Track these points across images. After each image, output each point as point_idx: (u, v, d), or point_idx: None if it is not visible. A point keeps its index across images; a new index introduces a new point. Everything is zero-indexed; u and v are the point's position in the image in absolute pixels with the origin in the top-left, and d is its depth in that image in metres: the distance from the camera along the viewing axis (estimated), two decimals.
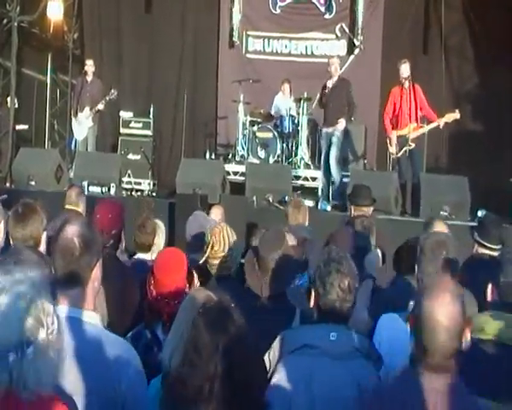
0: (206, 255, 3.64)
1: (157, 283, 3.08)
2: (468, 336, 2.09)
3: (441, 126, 9.03)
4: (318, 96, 9.92)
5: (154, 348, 2.94)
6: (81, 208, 5.10)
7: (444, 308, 2.04)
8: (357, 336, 2.51)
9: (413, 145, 9.07)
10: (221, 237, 3.62)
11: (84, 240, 2.23)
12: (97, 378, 2.14)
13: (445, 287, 2.10)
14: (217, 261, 3.61)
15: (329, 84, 9.62)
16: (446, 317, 2.03)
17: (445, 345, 2.03)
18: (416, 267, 3.14)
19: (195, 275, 3.30)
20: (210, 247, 3.63)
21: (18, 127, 12.09)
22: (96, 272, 2.29)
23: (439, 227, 3.66)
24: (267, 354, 2.56)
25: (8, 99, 11.95)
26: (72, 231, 2.23)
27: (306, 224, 5.68)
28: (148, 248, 4.59)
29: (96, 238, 2.31)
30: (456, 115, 8.98)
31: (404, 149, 9.09)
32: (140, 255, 4.58)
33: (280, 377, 2.50)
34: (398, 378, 2.15)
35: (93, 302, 2.27)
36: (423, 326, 2.05)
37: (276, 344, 2.56)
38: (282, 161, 10.81)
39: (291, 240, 3.86)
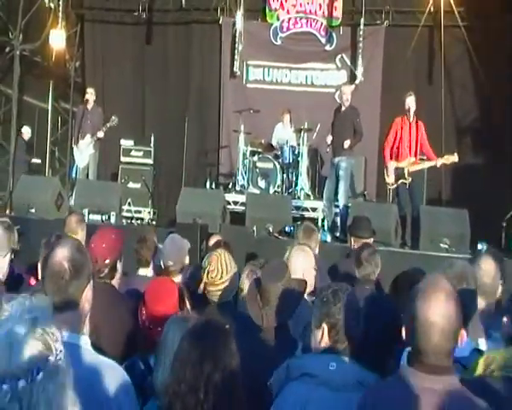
0: (202, 282, 3.60)
1: (148, 312, 3.07)
2: (463, 336, 2.06)
3: (438, 166, 9.08)
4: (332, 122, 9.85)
5: (148, 378, 2.92)
6: (81, 235, 5.07)
7: (438, 308, 2.01)
8: (361, 370, 2.48)
9: (409, 179, 9.08)
10: (218, 264, 3.59)
11: (74, 263, 2.22)
12: (91, 404, 2.11)
13: (439, 287, 2.07)
14: (214, 288, 3.58)
15: (340, 110, 9.62)
16: (440, 317, 2.00)
17: (440, 345, 2.00)
18: None
19: (187, 302, 3.28)
20: (206, 273, 3.60)
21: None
22: (87, 295, 2.27)
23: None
24: (270, 381, 2.56)
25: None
26: (61, 255, 2.22)
27: (317, 251, 5.54)
28: (147, 263, 4.55)
29: (86, 260, 2.30)
30: (455, 159, 9.03)
31: (401, 181, 9.10)
32: (141, 272, 4.54)
33: (278, 402, 2.51)
34: (395, 379, 2.12)
35: (84, 325, 2.26)
36: (418, 326, 2.02)
37: (280, 371, 2.55)
38: (282, 191, 10.82)
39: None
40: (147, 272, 4.57)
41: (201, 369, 2.13)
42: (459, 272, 3.17)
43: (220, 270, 3.58)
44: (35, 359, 1.51)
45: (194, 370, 2.14)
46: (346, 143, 9.38)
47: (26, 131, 12.51)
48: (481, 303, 3.23)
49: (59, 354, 1.59)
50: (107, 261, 3.62)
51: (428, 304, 2.01)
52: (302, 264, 3.99)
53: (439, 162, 9.02)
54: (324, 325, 2.53)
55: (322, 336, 2.54)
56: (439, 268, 3.26)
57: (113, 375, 2.20)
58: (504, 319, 2.63)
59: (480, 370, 2.45)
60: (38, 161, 12.63)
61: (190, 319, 2.68)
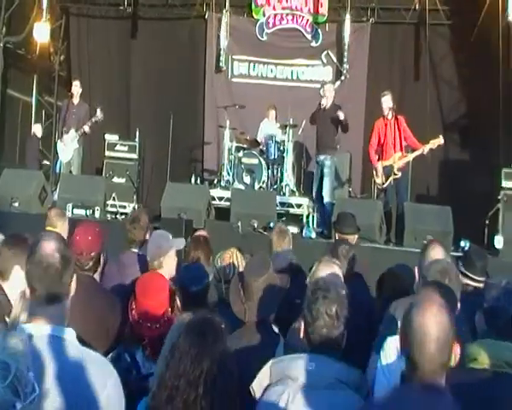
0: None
1: (138, 306, 3.07)
2: (457, 351, 2.09)
3: (425, 153, 9.09)
4: (312, 114, 9.90)
5: (133, 372, 2.91)
6: (62, 229, 5.02)
7: (432, 320, 2.04)
8: (341, 367, 2.48)
9: (399, 174, 9.13)
10: (231, 261, 3.58)
11: (63, 255, 2.20)
12: (77, 397, 2.11)
13: (432, 300, 2.11)
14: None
15: (323, 106, 9.63)
16: (435, 328, 2.03)
17: (435, 357, 2.02)
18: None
19: (178, 299, 3.27)
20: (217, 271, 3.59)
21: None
22: (72, 288, 2.26)
23: (437, 251, 3.66)
24: (252, 384, 2.54)
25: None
26: (51, 247, 2.20)
27: (291, 247, 5.61)
28: (140, 243, 4.52)
29: (71, 253, 2.29)
30: (440, 141, 9.05)
31: (391, 178, 9.15)
32: (133, 250, 4.51)
33: (259, 407, 2.50)
34: (391, 395, 2.13)
35: (68, 318, 2.25)
36: (413, 339, 2.04)
37: (262, 374, 2.54)
38: (267, 187, 10.83)
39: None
40: (134, 250, 4.54)
41: (201, 365, 2.13)
42: (442, 268, 3.20)
43: (233, 268, 3.57)
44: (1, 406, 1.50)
45: (194, 365, 2.13)
46: (341, 115, 9.34)
47: (38, 129, 12.42)
48: None
49: (29, 398, 1.57)
50: (93, 254, 3.61)
51: (423, 315, 2.05)
52: None
53: (426, 149, 9.01)
54: (302, 321, 2.53)
55: (299, 332, 2.55)
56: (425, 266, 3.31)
57: (100, 368, 2.18)
58: (476, 317, 2.65)
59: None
60: (47, 162, 12.58)
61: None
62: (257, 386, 2.53)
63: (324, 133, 9.62)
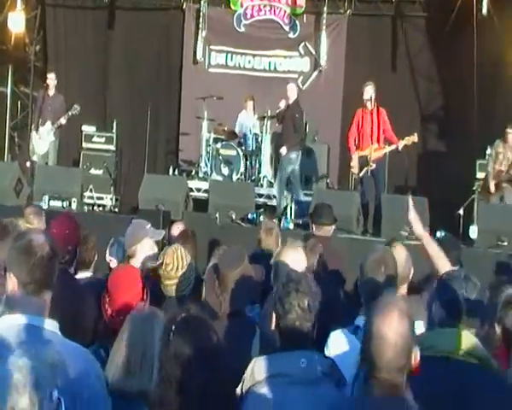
0: (155, 270, 3.55)
1: (112, 300, 3.05)
2: (417, 354, 2.12)
3: (400, 148, 9.23)
4: (277, 114, 10.21)
5: None
6: (38, 227, 4.98)
7: (391, 326, 2.07)
8: (320, 359, 2.50)
9: (374, 166, 9.21)
10: (174, 258, 3.55)
11: (53, 247, 2.21)
12: (57, 389, 2.10)
13: (394, 305, 2.13)
14: (170, 281, 3.54)
15: (283, 105, 9.95)
16: (394, 334, 2.06)
17: (393, 361, 2.06)
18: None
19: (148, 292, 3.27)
20: (161, 267, 3.56)
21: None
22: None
23: (399, 250, 3.73)
24: (240, 386, 2.50)
25: None
26: (42, 239, 2.19)
27: (279, 242, 5.55)
28: (88, 264, 4.40)
29: (57, 246, 2.30)
30: (415, 138, 9.23)
31: (366, 169, 9.23)
32: (81, 275, 4.27)
33: (248, 407, 2.46)
34: (353, 399, 2.16)
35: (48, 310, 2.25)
36: (371, 343, 2.08)
37: (247, 375, 2.50)
38: (245, 178, 10.84)
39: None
40: (87, 274, 4.37)
41: (197, 365, 2.12)
42: (379, 257, 3.25)
43: (176, 264, 3.54)
44: None
45: (191, 367, 2.12)
46: (283, 151, 9.83)
47: None
48: (403, 292, 3.46)
49: None
50: (70, 247, 3.59)
51: (383, 320, 2.08)
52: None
53: (401, 145, 9.18)
54: (274, 313, 2.55)
55: (271, 323, 2.56)
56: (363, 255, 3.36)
57: (83, 360, 2.18)
58: (434, 307, 2.68)
59: None
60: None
61: (159, 315, 2.65)
62: (244, 387, 2.49)
63: (287, 131, 9.81)
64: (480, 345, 2.55)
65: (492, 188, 9.44)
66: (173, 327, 2.20)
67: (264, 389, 2.45)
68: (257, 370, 2.48)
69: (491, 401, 2.42)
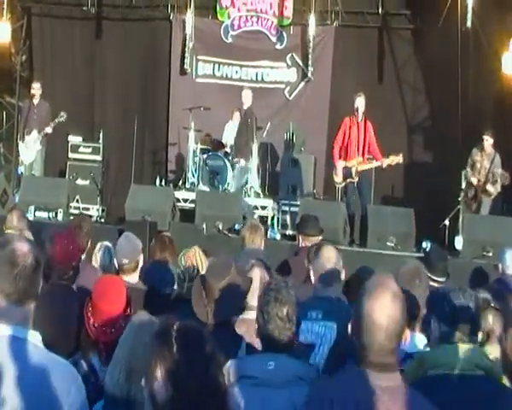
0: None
1: (96, 311, 3.02)
2: (407, 336, 2.12)
3: (383, 166, 9.25)
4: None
5: (92, 378, 2.88)
6: (24, 232, 4.95)
7: (383, 308, 2.04)
8: (298, 364, 2.50)
9: (356, 179, 9.22)
10: (195, 260, 3.57)
11: (37, 256, 2.17)
12: (39, 402, 2.09)
13: (386, 287, 2.10)
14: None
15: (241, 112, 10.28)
16: (385, 317, 2.04)
17: (384, 344, 2.04)
18: None
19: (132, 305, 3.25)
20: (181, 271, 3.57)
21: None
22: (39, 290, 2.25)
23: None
24: None
25: None
26: (25, 248, 2.16)
27: (262, 247, 5.60)
28: (81, 251, 4.45)
29: (41, 255, 2.27)
30: (400, 160, 9.28)
31: (348, 180, 9.24)
32: None
33: None
34: (341, 377, 2.15)
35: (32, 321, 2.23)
36: (363, 325, 2.06)
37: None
38: (232, 189, 10.83)
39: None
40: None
41: (196, 374, 2.09)
42: (412, 268, 3.27)
43: (197, 266, 3.56)
44: None
45: (194, 380, 2.09)
46: (242, 162, 10.27)
47: None
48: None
49: None
50: (74, 263, 3.58)
51: (374, 304, 2.05)
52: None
53: (385, 163, 9.21)
54: (256, 322, 2.55)
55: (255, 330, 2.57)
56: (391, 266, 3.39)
57: (65, 373, 2.17)
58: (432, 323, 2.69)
59: (413, 371, 2.52)
60: None
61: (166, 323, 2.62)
62: None
63: (241, 139, 9.95)
64: (483, 355, 2.55)
65: (470, 195, 9.53)
66: (174, 336, 2.19)
67: (234, 392, 2.47)
68: (230, 372, 2.50)
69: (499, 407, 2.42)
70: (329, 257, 3.73)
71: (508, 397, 2.44)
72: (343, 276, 3.82)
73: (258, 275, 3.60)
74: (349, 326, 2.16)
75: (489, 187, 9.37)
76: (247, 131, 10.13)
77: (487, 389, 2.43)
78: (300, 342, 3.22)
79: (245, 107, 10.23)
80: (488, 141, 9.37)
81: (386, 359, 2.04)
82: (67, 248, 3.57)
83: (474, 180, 9.48)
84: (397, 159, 9.24)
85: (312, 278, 3.78)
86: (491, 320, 3.17)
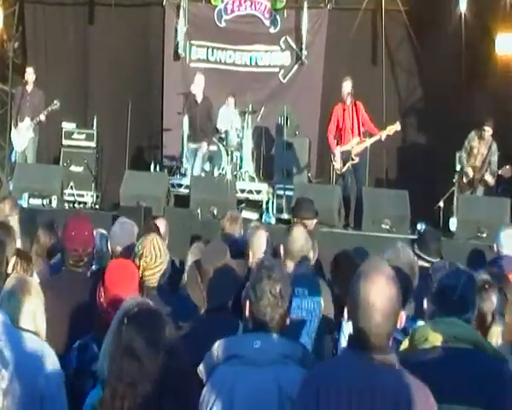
0: (140, 267, 3.57)
1: (109, 294, 3.04)
2: (402, 318, 2.14)
3: (383, 139, 9.26)
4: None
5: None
6: (14, 221, 4.95)
7: (378, 291, 2.07)
8: (284, 342, 2.52)
9: (357, 159, 9.24)
10: (152, 248, 3.58)
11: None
12: (15, 378, 2.12)
13: (381, 270, 2.13)
14: (150, 272, 3.57)
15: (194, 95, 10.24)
16: (381, 299, 2.07)
17: (380, 326, 2.07)
18: None
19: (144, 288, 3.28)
20: (140, 258, 3.57)
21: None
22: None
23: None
24: (200, 366, 2.55)
25: None
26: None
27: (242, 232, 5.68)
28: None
29: (5, 237, 2.31)
30: (397, 127, 9.24)
31: (349, 163, 9.25)
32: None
33: (206, 388, 2.51)
34: (337, 359, 2.18)
35: None
36: (358, 308, 2.08)
37: (209, 355, 2.55)
38: (226, 173, 10.82)
39: None
40: None
41: (157, 359, 2.11)
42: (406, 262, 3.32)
43: (154, 254, 3.57)
44: None
45: (151, 362, 2.11)
46: (204, 146, 10.26)
47: None
48: (290, 265, 3.82)
49: None
50: (89, 250, 3.61)
51: (370, 286, 2.07)
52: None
53: (384, 135, 9.19)
54: (247, 300, 2.57)
55: (245, 311, 2.59)
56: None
57: (35, 350, 2.26)
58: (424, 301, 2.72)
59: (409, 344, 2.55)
60: None
61: (130, 305, 2.65)
62: (204, 368, 2.54)
63: (204, 124, 10.13)
64: (471, 329, 2.57)
65: (465, 179, 9.55)
66: (125, 319, 2.21)
67: (221, 371, 2.50)
68: (218, 351, 2.52)
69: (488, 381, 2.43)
70: (298, 236, 3.88)
71: (495, 370, 2.46)
72: (311, 255, 4.02)
73: (263, 234, 4.05)
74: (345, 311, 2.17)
75: (487, 177, 9.35)
76: (212, 115, 10.35)
77: (475, 363, 2.46)
78: (293, 318, 3.31)
79: (202, 92, 10.27)
80: (489, 132, 9.36)
81: (381, 342, 2.07)
82: (83, 235, 3.58)
83: (470, 172, 9.46)
84: (394, 127, 9.22)
85: (282, 255, 3.92)
86: (495, 300, 3.19)
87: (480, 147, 9.46)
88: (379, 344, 2.07)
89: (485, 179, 9.36)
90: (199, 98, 10.28)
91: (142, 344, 2.11)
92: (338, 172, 9.51)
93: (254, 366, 2.44)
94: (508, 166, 9.14)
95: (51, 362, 2.26)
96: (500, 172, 9.19)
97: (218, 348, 2.53)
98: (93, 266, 3.93)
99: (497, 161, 9.34)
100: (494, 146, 9.40)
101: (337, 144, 9.37)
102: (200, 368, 2.54)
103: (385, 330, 2.08)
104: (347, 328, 3.19)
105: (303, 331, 3.61)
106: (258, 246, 4.14)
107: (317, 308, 3.71)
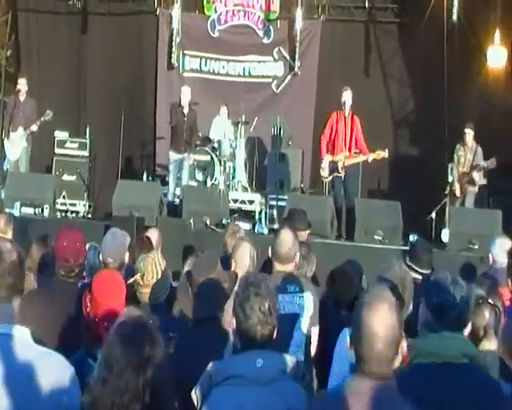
0: (136, 281, 3.57)
1: (96, 305, 3.02)
2: (404, 345, 2.16)
3: (369, 161, 9.29)
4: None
5: None
6: (9, 236, 4.95)
7: (381, 319, 2.11)
8: (281, 358, 2.51)
9: (343, 173, 9.24)
10: (153, 267, 3.59)
11: (19, 252, 2.21)
12: (29, 396, 2.09)
13: (383, 299, 2.17)
14: (147, 290, 3.57)
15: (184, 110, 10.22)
16: (383, 327, 2.10)
17: (382, 353, 2.10)
18: None
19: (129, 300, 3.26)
20: (142, 276, 3.57)
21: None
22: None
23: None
24: (194, 390, 2.51)
25: None
26: (7, 245, 2.20)
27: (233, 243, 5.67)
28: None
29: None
30: (385, 155, 9.32)
31: (335, 174, 9.26)
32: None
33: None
34: (340, 387, 2.18)
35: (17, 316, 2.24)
36: (362, 336, 2.12)
37: (203, 378, 2.51)
38: (219, 183, 10.81)
39: None
40: None
41: (144, 375, 2.09)
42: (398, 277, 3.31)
43: (155, 272, 3.58)
44: None
45: (137, 377, 2.10)
46: (190, 159, 10.29)
47: None
48: (280, 267, 3.91)
49: None
50: (81, 261, 3.59)
51: (373, 314, 2.11)
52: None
53: (370, 158, 9.24)
54: (234, 318, 2.55)
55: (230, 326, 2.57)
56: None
57: (57, 367, 2.17)
58: (420, 310, 2.71)
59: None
60: None
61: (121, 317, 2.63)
62: (200, 390, 2.49)
63: (190, 136, 10.12)
64: (467, 344, 2.58)
65: (458, 192, 9.62)
66: (117, 327, 2.20)
67: (222, 392, 2.46)
68: (214, 373, 2.48)
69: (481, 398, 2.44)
70: (285, 239, 3.93)
71: (489, 386, 2.48)
72: (298, 258, 4.08)
73: (247, 248, 4.17)
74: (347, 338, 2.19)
75: (475, 175, 9.46)
76: (196, 128, 10.40)
77: (471, 378, 2.47)
78: (285, 313, 3.54)
79: (188, 104, 10.27)
80: (470, 134, 9.49)
81: (383, 369, 2.11)
82: (74, 246, 3.57)
83: (456, 174, 9.61)
84: (382, 154, 9.29)
85: (271, 257, 4.02)
86: (488, 316, 3.20)
87: (466, 154, 9.60)
88: (381, 372, 2.10)
89: (472, 178, 9.44)
90: (185, 110, 10.26)
91: (122, 358, 2.09)
92: (323, 179, 9.53)
93: (257, 384, 2.42)
94: (493, 159, 9.23)
95: (70, 375, 2.24)
96: (486, 164, 9.29)
97: (212, 369, 2.49)
98: (86, 280, 3.90)
99: (488, 162, 9.41)
100: (479, 150, 9.54)
101: (327, 152, 9.36)
102: (196, 393, 2.49)
103: (387, 358, 2.11)
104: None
105: (296, 325, 3.78)
106: (241, 257, 4.18)
107: (307, 303, 3.86)
